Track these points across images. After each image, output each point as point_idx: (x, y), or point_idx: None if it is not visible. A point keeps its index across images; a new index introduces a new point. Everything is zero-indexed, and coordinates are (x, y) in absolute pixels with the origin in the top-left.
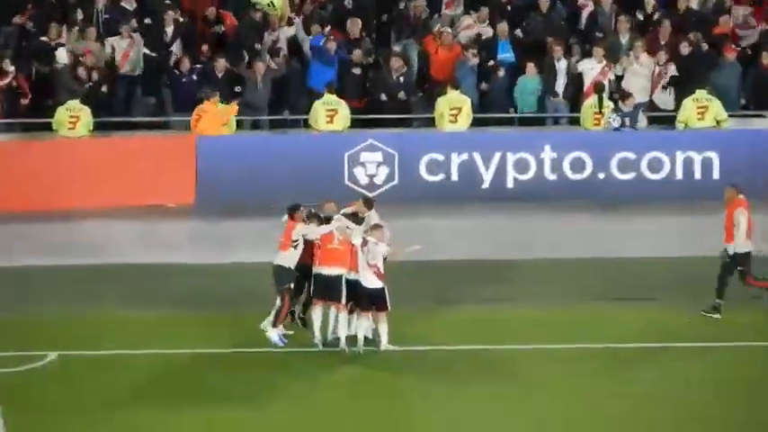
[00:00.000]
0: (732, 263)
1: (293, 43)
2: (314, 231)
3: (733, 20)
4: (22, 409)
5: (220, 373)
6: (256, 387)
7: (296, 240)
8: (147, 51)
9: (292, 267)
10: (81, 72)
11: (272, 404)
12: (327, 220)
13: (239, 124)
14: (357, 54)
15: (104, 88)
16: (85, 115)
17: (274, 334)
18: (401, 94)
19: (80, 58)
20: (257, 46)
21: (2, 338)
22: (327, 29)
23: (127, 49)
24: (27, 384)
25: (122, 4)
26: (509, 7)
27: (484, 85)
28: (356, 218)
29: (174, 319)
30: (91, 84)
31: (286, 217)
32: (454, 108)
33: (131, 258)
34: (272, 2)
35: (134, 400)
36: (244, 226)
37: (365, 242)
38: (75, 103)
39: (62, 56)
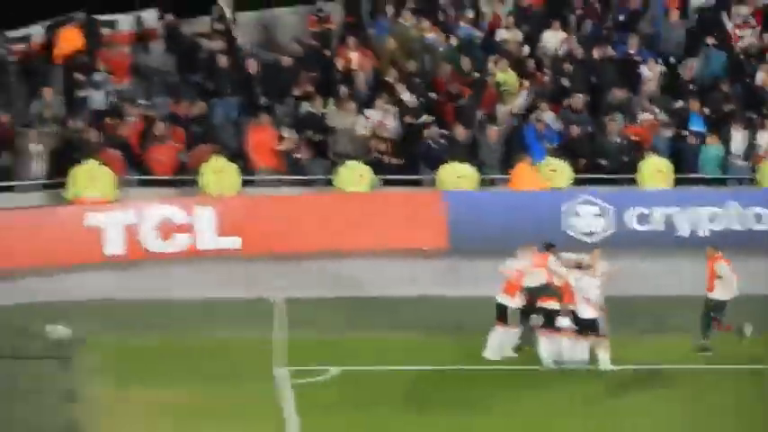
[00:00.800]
0: (711, 309)
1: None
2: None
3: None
4: (310, 412)
5: (466, 386)
6: (494, 399)
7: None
8: (408, 120)
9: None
10: (376, 144)
11: (501, 414)
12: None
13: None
14: (574, 129)
15: (395, 160)
16: (368, 173)
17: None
18: (617, 155)
19: (375, 131)
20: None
21: (293, 355)
22: (535, 114)
23: (382, 119)
24: (315, 393)
25: (387, 78)
26: (693, 86)
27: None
28: (579, 264)
29: (431, 341)
30: (382, 155)
31: (512, 261)
32: (659, 170)
33: (395, 292)
34: (506, 81)
35: (402, 407)
36: (488, 265)
37: (579, 280)
38: (358, 164)
39: (360, 126)
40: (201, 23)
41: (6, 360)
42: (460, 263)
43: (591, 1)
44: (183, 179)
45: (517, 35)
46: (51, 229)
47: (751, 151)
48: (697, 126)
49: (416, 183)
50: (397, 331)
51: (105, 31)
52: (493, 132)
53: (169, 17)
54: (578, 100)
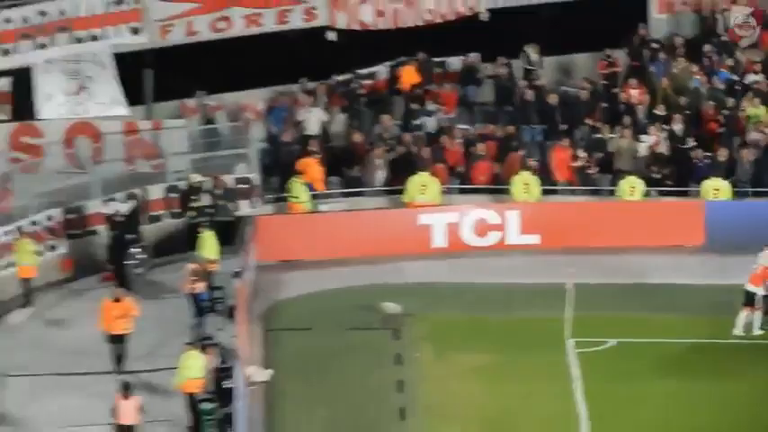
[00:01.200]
0: None
1: None
2: None
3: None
4: (593, 375)
5: (719, 358)
6: (743, 369)
7: None
8: (676, 145)
9: None
10: (652, 165)
11: (748, 381)
12: None
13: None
14: None
15: (667, 180)
16: (642, 186)
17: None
18: None
19: (651, 152)
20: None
21: (580, 330)
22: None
23: (655, 142)
24: (597, 360)
25: (658, 111)
26: None
27: None
28: None
29: (690, 320)
30: (657, 174)
31: (759, 257)
32: None
33: (662, 279)
34: (756, 114)
35: (665, 373)
36: (738, 261)
37: None
38: (635, 178)
39: (639, 149)
40: (514, 65)
41: (349, 330)
42: (715, 258)
43: None
44: (495, 188)
45: (765, 78)
46: (391, 226)
47: None
48: None
49: (683, 194)
50: (663, 311)
51: (437, 70)
52: (746, 155)
53: (486, 59)
54: None
